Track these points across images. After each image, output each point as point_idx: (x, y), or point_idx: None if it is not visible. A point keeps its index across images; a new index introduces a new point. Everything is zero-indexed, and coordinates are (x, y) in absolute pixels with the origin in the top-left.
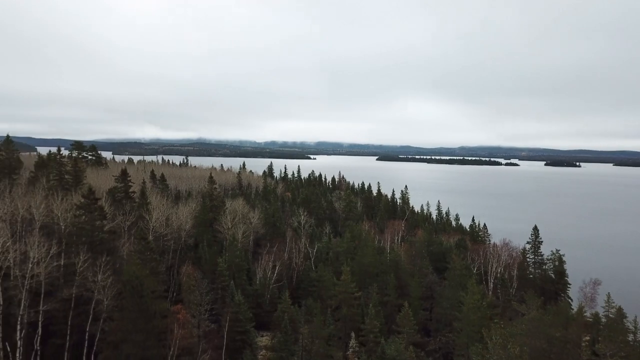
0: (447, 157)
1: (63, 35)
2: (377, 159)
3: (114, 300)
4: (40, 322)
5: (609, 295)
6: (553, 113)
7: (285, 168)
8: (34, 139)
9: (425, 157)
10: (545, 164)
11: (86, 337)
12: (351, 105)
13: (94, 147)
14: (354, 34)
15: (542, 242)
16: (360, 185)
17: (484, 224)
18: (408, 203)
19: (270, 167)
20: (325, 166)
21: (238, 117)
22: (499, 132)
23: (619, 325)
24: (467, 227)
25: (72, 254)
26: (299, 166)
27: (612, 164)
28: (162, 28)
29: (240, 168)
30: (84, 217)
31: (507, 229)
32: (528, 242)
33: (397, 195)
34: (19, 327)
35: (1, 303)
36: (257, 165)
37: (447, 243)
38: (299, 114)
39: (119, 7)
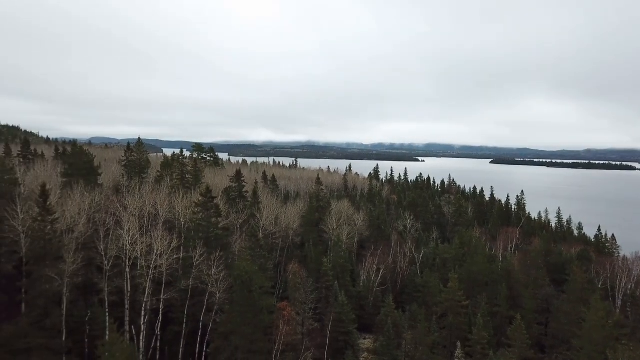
0: (571, 161)
1: (187, 49)
2: (490, 162)
3: (225, 293)
4: (161, 310)
5: None
6: None
7: (391, 170)
8: (161, 141)
9: (544, 160)
10: None
11: (200, 327)
12: (464, 106)
13: (212, 149)
14: (471, 31)
15: None
16: (471, 190)
17: (612, 235)
18: (524, 209)
19: (376, 169)
20: (434, 169)
21: (345, 119)
22: (634, 133)
23: None
24: (592, 237)
25: (190, 248)
26: (405, 168)
27: None
28: (272, 30)
29: (347, 170)
30: (201, 214)
31: None
32: None
33: (512, 201)
34: (143, 312)
35: (129, 290)
36: (363, 167)
37: (568, 254)
38: (407, 115)
39: (221, 10)
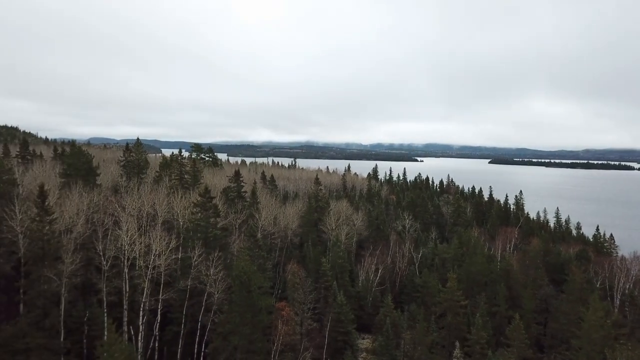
0: (569, 161)
1: (191, 51)
2: (489, 162)
3: (224, 293)
4: (159, 310)
5: None
6: None
7: (390, 170)
8: (160, 141)
9: (543, 160)
10: None
11: (198, 327)
12: (463, 107)
13: (210, 149)
14: (472, 33)
15: None
16: (470, 190)
17: (611, 235)
18: (522, 209)
19: (375, 170)
20: (432, 169)
21: (344, 119)
22: (634, 133)
23: None
24: (590, 237)
25: (188, 248)
26: (404, 169)
27: None
28: (270, 30)
29: (345, 170)
30: (200, 214)
31: (639, 241)
32: None
33: (511, 201)
34: (141, 313)
35: (127, 290)
36: (362, 168)
37: (566, 254)
38: (406, 115)
39: (222, 11)
